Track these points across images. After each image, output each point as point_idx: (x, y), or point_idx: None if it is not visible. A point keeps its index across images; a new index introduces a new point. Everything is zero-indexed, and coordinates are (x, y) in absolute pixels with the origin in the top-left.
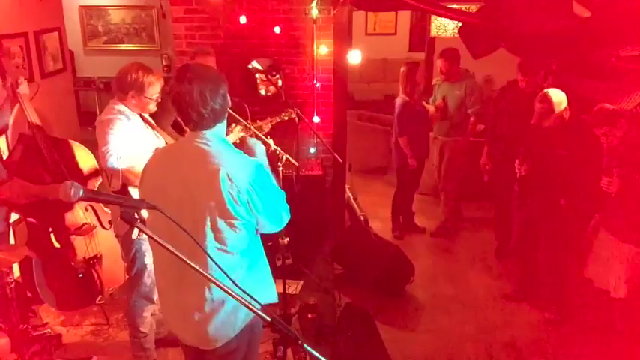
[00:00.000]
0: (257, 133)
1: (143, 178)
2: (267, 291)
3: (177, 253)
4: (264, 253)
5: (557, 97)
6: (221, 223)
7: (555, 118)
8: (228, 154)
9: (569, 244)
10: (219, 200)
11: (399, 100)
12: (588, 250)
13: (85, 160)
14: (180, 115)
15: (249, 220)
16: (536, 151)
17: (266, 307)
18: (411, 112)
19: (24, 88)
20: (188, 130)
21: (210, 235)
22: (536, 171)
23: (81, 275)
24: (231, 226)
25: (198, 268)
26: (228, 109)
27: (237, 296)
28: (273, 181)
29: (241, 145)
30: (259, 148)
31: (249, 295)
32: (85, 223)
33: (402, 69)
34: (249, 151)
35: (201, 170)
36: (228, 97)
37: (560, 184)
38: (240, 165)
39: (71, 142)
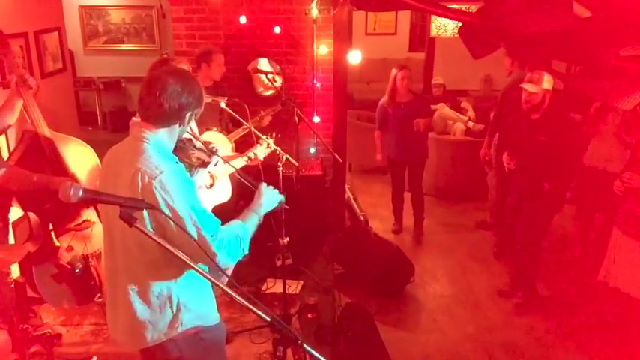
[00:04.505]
0: (257, 134)
1: (100, 175)
2: (208, 311)
3: (176, 251)
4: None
5: (548, 76)
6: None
7: (534, 95)
8: (150, 156)
9: (545, 227)
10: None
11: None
12: (603, 253)
13: (87, 158)
14: (138, 100)
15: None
16: (519, 138)
17: (264, 308)
18: (385, 110)
19: (31, 81)
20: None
21: (127, 240)
22: (520, 158)
23: (77, 271)
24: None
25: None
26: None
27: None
28: (196, 193)
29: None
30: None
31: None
32: (86, 220)
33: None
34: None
35: (125, 171)
36: (188, 111)
37: (543, 168)
38: (151, 167)
39: (73, 139)
